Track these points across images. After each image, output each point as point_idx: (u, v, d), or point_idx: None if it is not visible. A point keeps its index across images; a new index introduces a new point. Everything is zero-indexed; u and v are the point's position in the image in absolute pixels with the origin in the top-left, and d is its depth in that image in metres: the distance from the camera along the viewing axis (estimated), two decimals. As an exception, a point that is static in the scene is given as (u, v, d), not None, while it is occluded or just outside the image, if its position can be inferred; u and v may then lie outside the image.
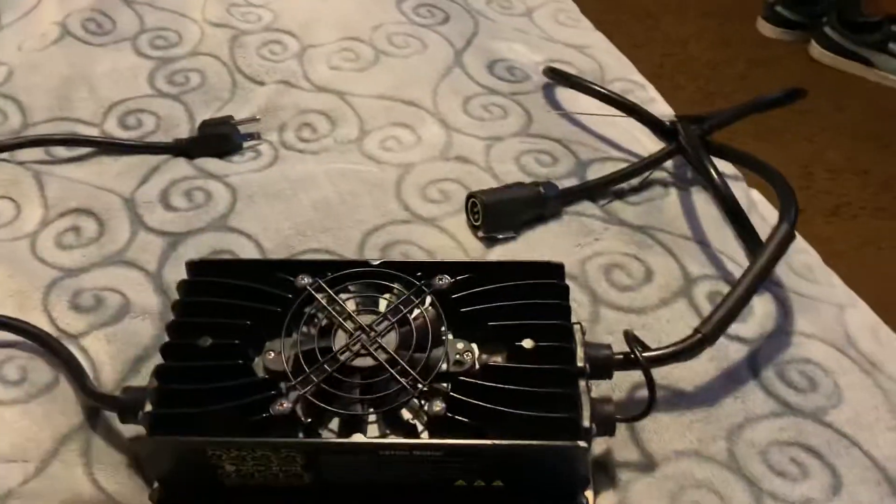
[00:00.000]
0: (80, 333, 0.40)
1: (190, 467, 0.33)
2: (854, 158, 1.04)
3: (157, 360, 0.39)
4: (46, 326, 0.40)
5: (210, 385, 0.33)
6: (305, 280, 0.36)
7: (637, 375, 0.38)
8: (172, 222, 0.46)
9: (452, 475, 0.33)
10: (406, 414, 0.33)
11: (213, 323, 0.35)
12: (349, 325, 0.34)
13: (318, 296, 0.35)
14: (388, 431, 0.33)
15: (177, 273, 0.43)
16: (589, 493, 0.34)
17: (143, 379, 0.38)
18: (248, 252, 0.44)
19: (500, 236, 0.44)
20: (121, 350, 0.39)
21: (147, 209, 0.46)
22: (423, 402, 0.33)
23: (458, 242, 0.45)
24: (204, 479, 0.33)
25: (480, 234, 0.44)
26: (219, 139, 0.50)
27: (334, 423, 0.33)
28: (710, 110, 0.51)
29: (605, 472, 0.35)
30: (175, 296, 0.40)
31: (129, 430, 0.37)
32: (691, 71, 1.19)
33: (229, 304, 0.35)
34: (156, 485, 0.34)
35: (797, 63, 1.21)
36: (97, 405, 0.36)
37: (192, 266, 0.37)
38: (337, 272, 0.37)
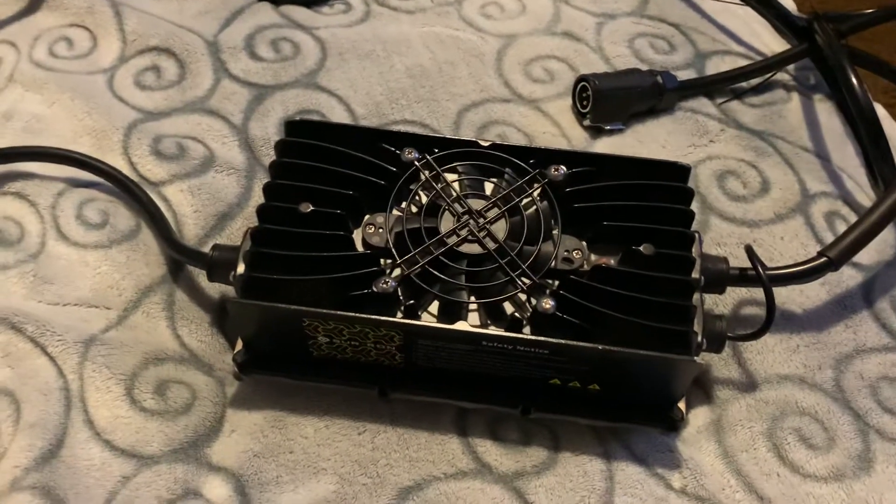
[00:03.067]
0: (162, 182, 0.38)
1: (280, 334, 0.32)
2: None
3: (242, 219, 0.38)
4: (126, 171, 0.38)
5: (309, 253, 0.31)
6: (413, 154, 0.33)
7: (743, 292, 0.36)
8: (258, 73, 0.43)
9: (548, 374, 0.32)
10: (509, 307, 0.32)
11: (313, 189, 0.33)
12: (457, 207, 0.32)
13: (425, 173, 0.33)
14: (488, 322, 0.31)
15: (262, 129, 0.40)
16: (682, 405, 0.32)
17: (226, 237, 0.37)
18: (337, 115, 0.41)
19: (608, 127, 0.41)
20: (205, 204, 0.38)
21: (231, 55, 0.43)
22: (528, 296, 0.31)
23: (560, 129, 0.42)
24: (292, 346, 0.32)
25: (586, 122, 0.41)
26: (308, -15, 0.47)
27: (433, 307, 0.32)
28: (845, 10, 0.46)
29: (701, 388, 0.34)
30: (261, 153, 0.38)
31: (212, 288, 0.36)
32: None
33: (332, 171, 0.33)
34: (240, 347, 0.33)
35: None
36: (183, 259, 0.35)
37: (292, 126, 0.35)
38: (445, 149, 0.34)
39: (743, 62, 0.44)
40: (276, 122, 0.41)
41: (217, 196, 0.38)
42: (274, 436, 0.32)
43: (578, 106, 0.42)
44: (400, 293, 0.31)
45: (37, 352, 0.32)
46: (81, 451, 0.30)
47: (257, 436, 0.32)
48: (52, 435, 0.30)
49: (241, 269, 0.32)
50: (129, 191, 0.37)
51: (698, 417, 0.33)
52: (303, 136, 0.34)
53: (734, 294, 0.36)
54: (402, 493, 0.31)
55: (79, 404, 0.31)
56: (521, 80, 0.43)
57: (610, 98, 0.40)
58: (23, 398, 0.31)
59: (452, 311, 0.31)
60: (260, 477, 0.31)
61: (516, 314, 0.31)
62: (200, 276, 0.36)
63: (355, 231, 0.33)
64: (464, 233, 0.32)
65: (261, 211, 0.33)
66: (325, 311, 0.30)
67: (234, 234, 0.37)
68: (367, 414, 0.32)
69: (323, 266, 0.31)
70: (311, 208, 0.32)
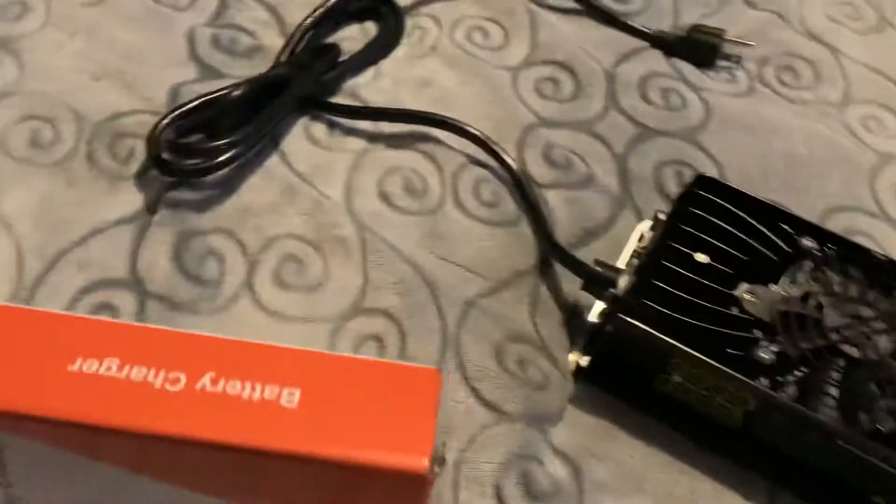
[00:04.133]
0: (546, 185, 0.42)
1: (636, 359, 0.35)
2: None
3: (606, 241, 0.41)
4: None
5: (696, 300, 0.34)
6: (810, 243, 0.36)
7: None
8: (645, 114, 0.46)
9: (876, 490, 0.33)
10: (866, 417, 0.33)
11: (710, 243, 0.35)
12: (843, 307, 0.34)
13: (817, 266, 0.35)
14: (843, 425, 0.33)
15: (639, 166, 0.44)
16: None
17: (586, 253, 0.40)
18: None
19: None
20: (577, 217, 0.41)
21: (624, 90, 0.47)
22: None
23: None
24: (639, 373, 0.35)
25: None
26: (704, 49, 0.49)
27: (792, 388, 0.34)
28: None
29: None
30: (633, 187, 0.42)
31: (569, 292, 0.39)
32: None
33: (730, 233, 0.36)
34: (584, 358, 0.37)
35: None
36: (559, 261, 0.39)
37: (702, 180, 0.38)
38: (839, 248, 0.36)
39: None
40: (652, 163, 0.44)
41: (588, 213, 0.42)
42: (607, 445, 0.35)
43: (947, 244, 0.42)
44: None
45: (426, 292, 0.37)
46: (452, 392, 0.34)
47: (592, 438, 0.35)
48: (430, 371, 0.35)
49: (621, 288, 0.35)
50: (519, 183, 0.41)
51: None
52: (711, 192, 0.37)
53: None
54: (711, 542, 0.33)
55: (453, 348, 0.36)
56: (893, 201, 0.44)
57: None
58: (407, 329, 0.36)
59: (810, 398, 0.33)
60: (593, 476, 0.34)
61: (878, 426, 0.33)
62: (563, 279, 0.39)
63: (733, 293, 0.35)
64: (848, 334, 0.33)
65: (657, 247, 0.36)
66: (706, 358, 0.32)
67: (598, 250, 0.40)
68: (690, 459, 0.35)
69: (705, 316, 0.34)
70: (707, 260, 0.35)
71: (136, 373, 0.24)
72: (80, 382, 0.24)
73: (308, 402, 0.24)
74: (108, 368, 0.24)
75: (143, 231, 0.38)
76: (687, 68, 0.49)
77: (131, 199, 0.39)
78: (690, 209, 0.37)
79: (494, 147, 0.42)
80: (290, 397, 0.24)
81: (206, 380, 0.24)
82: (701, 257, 0.35)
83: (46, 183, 0.39)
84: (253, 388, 0.24)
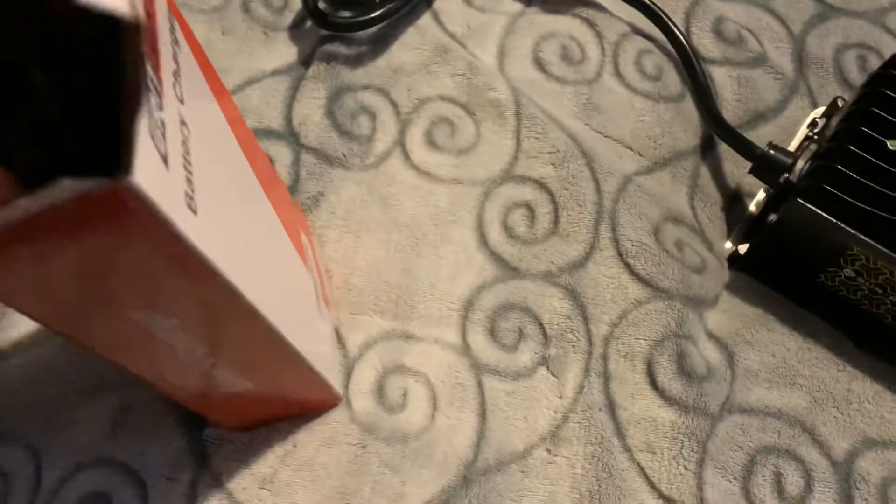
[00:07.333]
0: (714, 61, 0.39)
1: (804, 250, 0.33)
2: None
3: (775, 125, 0.38)
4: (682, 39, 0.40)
5: (884, 190, 0.31)
6: None
7: None
8: (829, -10, 0.42)
9: None
10: None
11: (904, 129, 0.32)
12: None
13: None
14: None
15: (819, 48, 0.40)
16: None
17: (755, 136, 0.38)
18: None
19: None
20: (747, 98, 0.39)
21: (807, -37, 0.43)
22: None
23: None
24: (806, 266, 0.33)
25: None
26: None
27: (980, 294, 0.31)
28: None
29: None
30: (810, 70, 0.38)
31: (732, 175, 0.37)
32: None
33: (928, 119, 0.32)
34: (742, 245, 0.35)
35: None
36: (727, 141, 0.36)
37: (898, 60, 0.34)
38: None
39: None
40: (833, 45, 0.40)
41: (759, 95, 0.39)
42: (762, 334, 0.33)
43: None
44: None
45: (582, 162, 0.36)
46: (604, 267, 0.34)
47: (747, 326, 0.33)
48: (583, 245, 0.34)
49: (798, 174, 0.33)
50: (686, 57, 0.39)
51: None
52: (907, 74, 0.34)
53: None
54: (867, 442, 0.31)
55: (608, 221, 0.35)
56: None
57: None
58: (561, 202, 0.35)
59: None
60: (746, 363, 0.32)
61: None
62: (727, 161, 0.37)
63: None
64: None
65: (842, 131, 0.33)
66: (890, 251, 0.30)
67: (765, 135, 0.38)
68: (848, 357, 0.33)
69: (893, 208, 0.31)
70: (899, 148, 0.32)
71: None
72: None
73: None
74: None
75: (298, 83, 0.38)
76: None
77: (286, 51, 0.39)
78: (884, 90, 0.33)
79: (661, 15, 0.39)
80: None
81: None
82: (894, 144, 0.32)
83: (203, 29, 0.39)
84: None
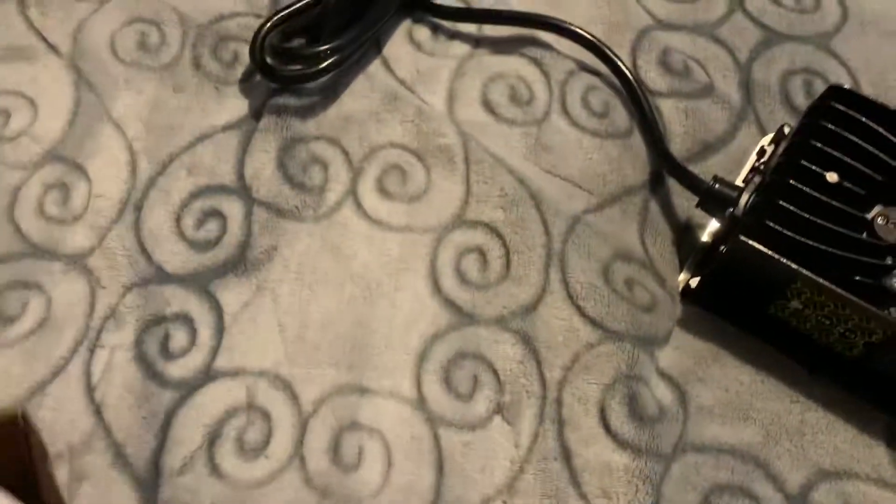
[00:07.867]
0: (661, 93, 0.40)
1: (751, 283, 0.33)
2: None
3: (724, 155, 0.39)
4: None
5: (824, 223, 0.31)
6: (962, 164, 0.32)
7: None
8: (773, 16, 0.42)
9: None
10: None
11: (841, 161, 0.33)
12: None
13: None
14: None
15: (764, 74, 0.40)
16: None
17: (705, 169, 0.38)
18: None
19: None
20: (694, 129, 0.39)
21: (750, -9, 0.43)
22: None
23: None
24: (754, 298, 0.33)
25: None
26: (846, -59, 0.44)
27: (922, 322, 0.32)
28: None
29: None
30: (757, 98, 0.39)
31: (681, 208, 0.37)
32: None
33: (865, 150, 0.33)
34: (693, 278, 0.35)
35: None
36: (674, 176, 0.37)
37: (834, 92, 0.34)
38: None
39: None
40: (779, 71, 0.41)
41: (707, 125, 0.39)
42: (714, 370, 0.33)
43: None
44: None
45: (531, 205, 0.36)
46: (556, 310, 0.34)
47: (700, 362, 0.34)
48: (534, 288, 0.34)
49: (743, 209, 0.33)
50: (633, 93, 0.39)
51: None
52: (844, 104, 0.34)
53: None
54: (821, 474, 0.32)
55: (557, 264, 0.35)
56: None
57: None
58: (511, 246, 0.35)
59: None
60: (698, 401, 0.33)
61: None
62: (677, 195, 0.37)
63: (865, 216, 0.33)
64: None
65: (780, 164, 0.33)
66: (831, 286, 0.30)
67: (714, 166, 0.38)
68: (801, 387, 0.33)
69: (833, 240, 0.31)
70: (837, 179, 0.32)
71: None
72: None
73: None
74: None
75: (249, 137, 0.38)
76: (826, -36, 0.44)
77: (237, 105, 0.39)
78: (822, 123, 0.34)
79: (607, 51, 0.39)
80: None
81: None
82: (832, 176, 0.32)
83: (155, 87, 0.40)
84: None
